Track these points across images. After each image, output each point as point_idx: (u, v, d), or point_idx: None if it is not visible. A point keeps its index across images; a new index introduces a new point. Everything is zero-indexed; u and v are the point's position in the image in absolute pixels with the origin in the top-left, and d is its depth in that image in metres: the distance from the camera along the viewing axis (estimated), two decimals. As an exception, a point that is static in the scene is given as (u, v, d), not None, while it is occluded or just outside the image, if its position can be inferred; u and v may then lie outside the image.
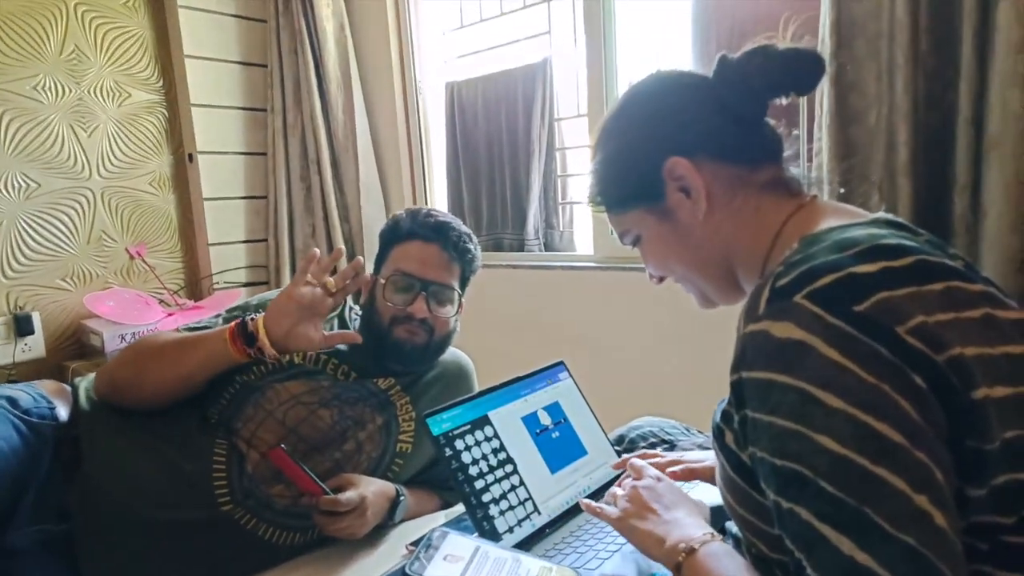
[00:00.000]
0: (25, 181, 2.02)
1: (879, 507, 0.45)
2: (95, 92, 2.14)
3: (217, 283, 2.36)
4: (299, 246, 2.45)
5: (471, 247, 1.21)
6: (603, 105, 1.92)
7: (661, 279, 0.78)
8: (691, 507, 0.74)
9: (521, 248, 2.16)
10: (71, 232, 2.12)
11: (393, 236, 1.21)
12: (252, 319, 1.05)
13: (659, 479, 0.79)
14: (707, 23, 1.97)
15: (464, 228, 1.22)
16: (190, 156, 2.32)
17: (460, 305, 1.22)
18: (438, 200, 2.44)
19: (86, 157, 2.14)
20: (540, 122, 2.06)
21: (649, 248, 0.75)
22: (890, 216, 0.63)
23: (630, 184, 0.72)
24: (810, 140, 1.39)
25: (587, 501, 0.82)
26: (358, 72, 2.37)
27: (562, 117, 2.10)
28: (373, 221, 2.36)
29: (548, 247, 2.21)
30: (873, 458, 0.45)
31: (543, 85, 2.05)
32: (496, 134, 2.18)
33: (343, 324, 1.24)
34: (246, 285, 2.44)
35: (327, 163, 2.35)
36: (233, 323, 1.06)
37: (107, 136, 2.17)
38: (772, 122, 0.71)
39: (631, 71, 1.92)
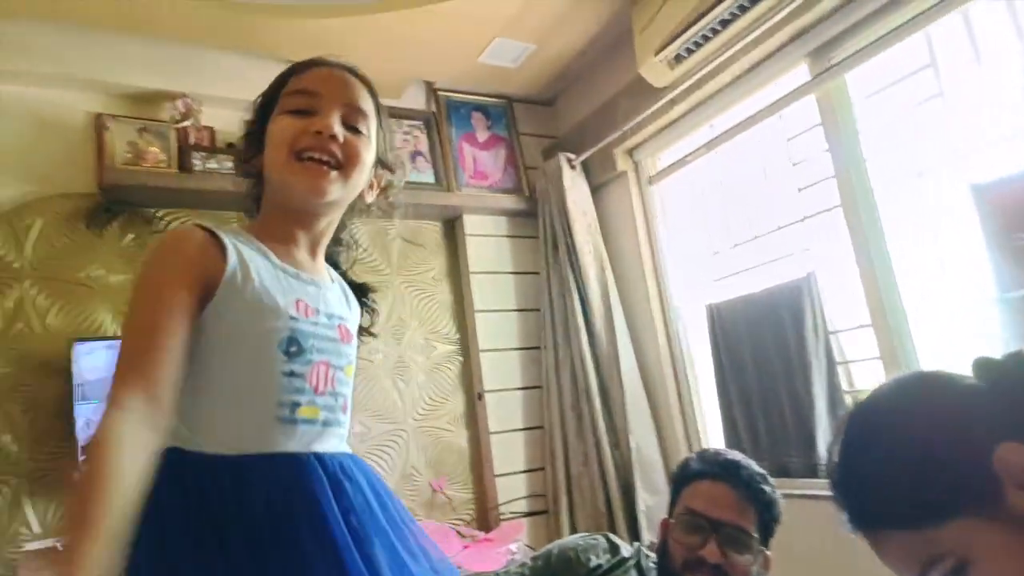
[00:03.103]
0: (363, 426, 2.45)
1: None
2: (411, 349, 2.61)
3: (503, 513, 2.49)
4: (573, 473, 2.53)
5: (766, 488, 1.15)
6: (885, 315, 1.81)
7: None
8: None
9: (813, 474, 1.96)
10: (387, 470, 2.46)
11: (683, 477, 1.21)
12: None
13: None
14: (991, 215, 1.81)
15: (757, 468, 1.17)
16: (479, 395, 2.63)
17: (765, 557, 1.13)
18: (710, 422, 2.39)
19: (403, 404, 2.54)
20: (814, 336, 1.98)
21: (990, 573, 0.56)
22: None
23: (944, 486, 0.58)
24: None
25: None
26: (620, 303, 2.58)
27: (838, 330, 2.00)
28: (644, 445, 2.39)
29: (844, 469, 1.96)
30: None
31: (810, 299, 2.00)
32: (762, 351, 2.12)
33: (640, 571, 1.22)
34: (528, 515, 2.54)
35: (595, 392, 2.49)
36: None
37: (418, 385, 2.59)
38: None
39: (908, 275, 1.81)
